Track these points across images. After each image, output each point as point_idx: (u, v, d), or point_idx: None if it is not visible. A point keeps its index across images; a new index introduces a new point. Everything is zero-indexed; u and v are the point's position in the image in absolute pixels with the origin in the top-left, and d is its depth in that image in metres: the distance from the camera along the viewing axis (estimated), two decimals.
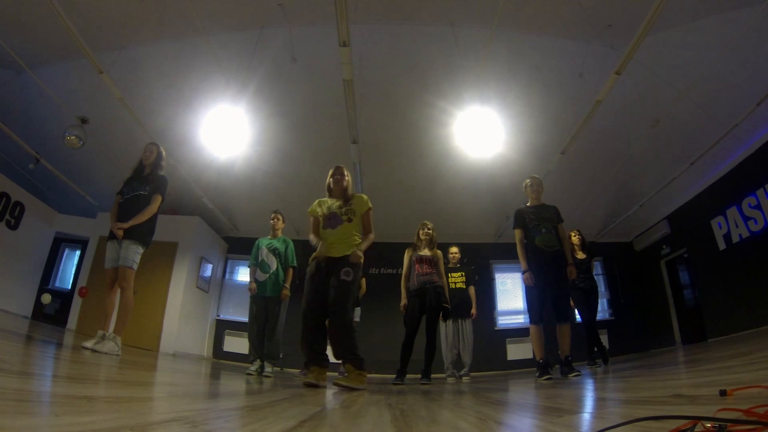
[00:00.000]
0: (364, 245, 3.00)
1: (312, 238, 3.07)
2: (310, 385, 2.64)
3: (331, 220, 3.02)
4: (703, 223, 6.71)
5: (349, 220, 2.99)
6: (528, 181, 4.01)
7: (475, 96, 5.54)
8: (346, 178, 3.17)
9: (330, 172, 3.19)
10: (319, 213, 3.09)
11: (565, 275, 3.67)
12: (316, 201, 3.18)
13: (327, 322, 2.89)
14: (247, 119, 5.79)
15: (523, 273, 3.65)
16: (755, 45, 4.75)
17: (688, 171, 6.37)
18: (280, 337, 4.30)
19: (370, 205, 3.09)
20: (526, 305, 3.84)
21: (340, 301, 2.78)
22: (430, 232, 4.36)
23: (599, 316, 6.44)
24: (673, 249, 7.71)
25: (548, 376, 3.33)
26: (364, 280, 5.42)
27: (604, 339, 7.42)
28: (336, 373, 5.41)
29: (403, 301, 4.24)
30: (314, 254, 2.96)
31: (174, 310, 6.96)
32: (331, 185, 3.17)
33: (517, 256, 3.77)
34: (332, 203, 3.09)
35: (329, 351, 2.89)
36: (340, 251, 2.91)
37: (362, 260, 2.92)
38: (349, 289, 2.84)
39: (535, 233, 3.67)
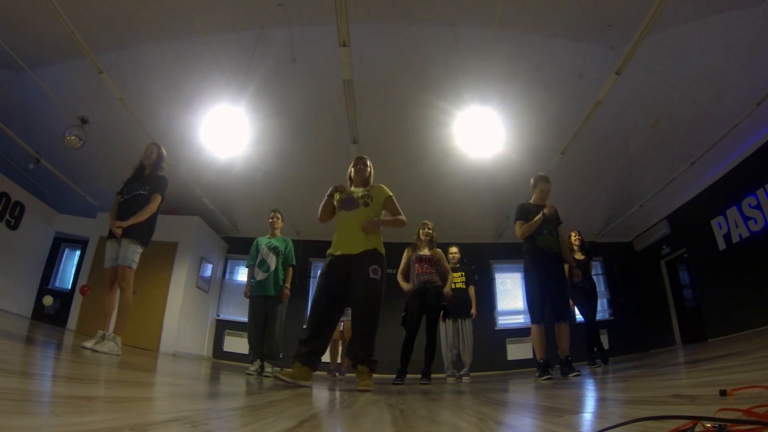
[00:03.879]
0: (389, 219, 2.91)
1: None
2: (279, 380, 2.53)
3: (348, 202, 2.91)
4: (703, 223, 6.71)
5: (366, 205, 2.86)
6: (542, 184, 3.92)
7: (475, 96, 5.54)
8: (369, 168, 3.12)
9: (352, 162, 3.15)
10: (337, 198, 3.00)
11: (564, 276, 3.71)
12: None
13: (350, 320, 2.79)
14: (247, 119, 5.79)
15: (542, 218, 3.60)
16: (755, 45, 4.75)
17: (688, 171, 6.37)
18: (280, 337, 4.30)
19: (390, 193, 3.00)
20: (526, 305, 3.84)
21: (369, 302, 2.66)
22: (431, 232, 4.36)
23: (599, 316, 6.45)
24: (673, 249, 7.70)
25: (548, 376, 3.34)
26: None
27: (604, 339, 7.42)
28: (325, 372, 5.42)
29: (407, 286, 4.21)
30: (335, 187, 2.94)
31: (174, 310, 6.96)
32: (353, 175, 3.11)
33: (516, 257, 3.78)
34: (352, 190, 3.03)
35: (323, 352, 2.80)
36: (356, 245, 2.76)
37: (379, 228, 2.84)
38: (378, 288, 2.70)
39: (537, 234, 3.67)
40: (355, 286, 2.71)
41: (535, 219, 3.64)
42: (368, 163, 3.14)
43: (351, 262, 2.74)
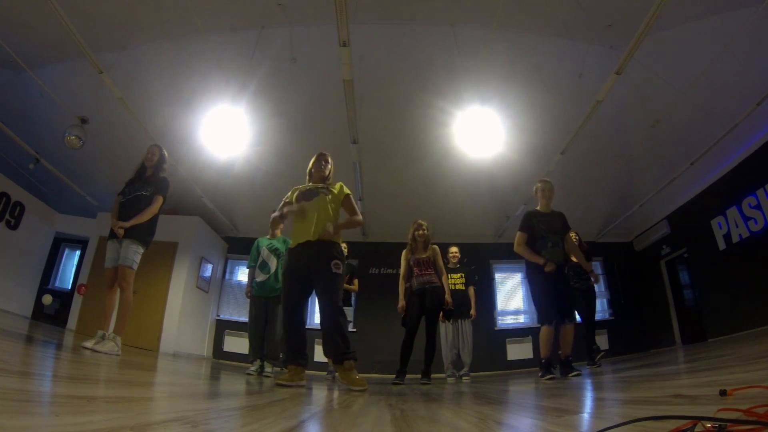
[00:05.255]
0: (343, 222, 2.90)
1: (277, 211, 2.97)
2: (281, 386, 2.53)
3: (307, 193, 2.90)
4: (703, 223, 6.71)
5: (326, 193, 2.89)
6: (539, 185, 3.87)
7: (475, 96, 5.54)
8: (329, 166, 3.09)
9: (313, 159, 3.11)
10: (291, 196, 2.99)
11: (567, 277, 3.71)
12: (291, 190, 3.06)
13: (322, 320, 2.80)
14: (247, 119, 5.78)
15: (544, 265, 3.49)
16: (755, 45, 4.75)
17: (688, 171, 6.37)
18: (280, 337, 4.29)
19: (349, 191, 3.00)
20: (535, 306, 3.80)
21: (334, 296, 2.69)
22: (425, 233, 4.29)
23: (599, 316, 6.46)
24: (673, 249, 7.71)
25: (551, 376, 3.36)
26: (357, 281, 5.41)
27: (605, 339, 7.44)
28: (325, 372, 5.42)
29: (401, 302, 4.18)
30: (289, 208, 2.85)
31: (174, 310, 6.96)
32: (312, 171, 3.09)
33: (516, 257, 3.76)
34: (309, 185, 3.02)
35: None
36: (314, 231, 2.73)
37: (336, 236, 2.80)
38: (341, 281, 2.78)
39: (542, 246, 3.60)
40: (319, 283, 2.73)
41: (540, 261, 3.52)
42: (330, 160, 3.12)
43: (311, 250, 2.73)
